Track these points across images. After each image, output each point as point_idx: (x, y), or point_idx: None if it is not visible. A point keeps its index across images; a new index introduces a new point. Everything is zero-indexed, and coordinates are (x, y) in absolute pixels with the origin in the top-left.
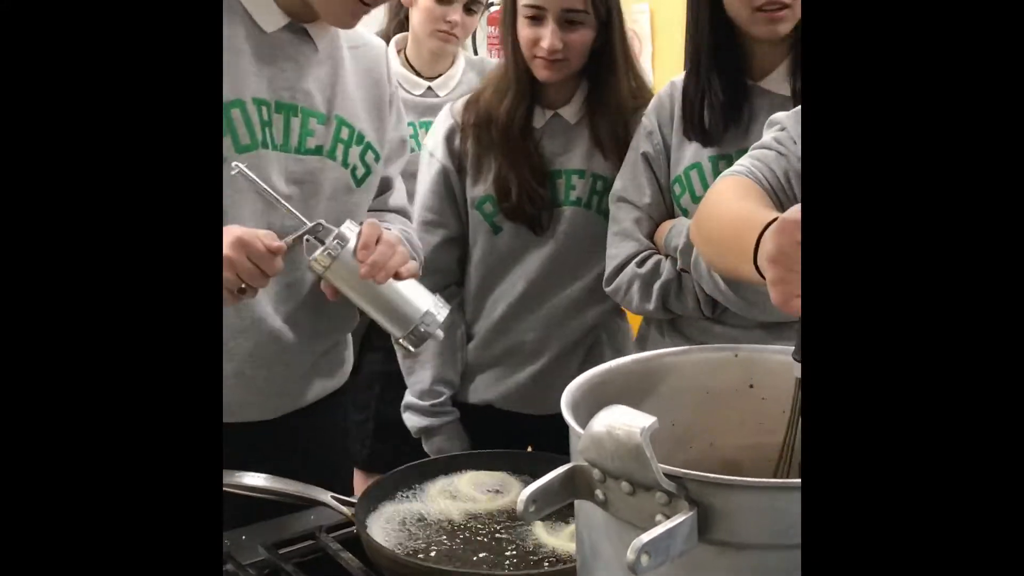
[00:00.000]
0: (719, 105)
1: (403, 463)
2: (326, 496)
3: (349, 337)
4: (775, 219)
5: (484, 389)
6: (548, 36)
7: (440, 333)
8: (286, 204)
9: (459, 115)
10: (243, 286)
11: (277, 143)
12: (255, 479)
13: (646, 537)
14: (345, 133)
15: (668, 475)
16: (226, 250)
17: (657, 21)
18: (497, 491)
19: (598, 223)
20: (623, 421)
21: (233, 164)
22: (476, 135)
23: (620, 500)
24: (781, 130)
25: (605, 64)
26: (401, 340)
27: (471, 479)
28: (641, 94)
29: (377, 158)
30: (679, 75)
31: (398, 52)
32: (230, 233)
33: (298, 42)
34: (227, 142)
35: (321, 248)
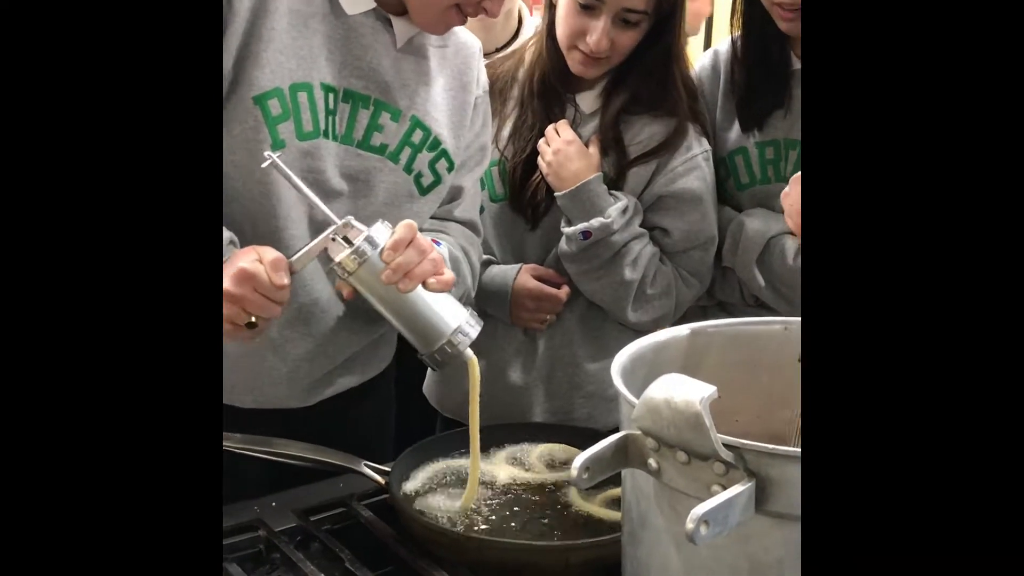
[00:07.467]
0: (761, 88)
1: None
2: (359, 464)
3: None
4: None
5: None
6: (598, 32)
7: (470, 353)
8: (317, 200)
9: None
10: (252, 320)
11: (339, 134)
12: (288, 445)
13: (705, 506)
14: (418, 136)
15: (726, 445)
16: (228, 285)
17: None
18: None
19: None
20: (682, 390)
21: (266, 154)
22: None
23: (674, 469)
24: None
25: (653, 63)
26: (424, 357)
27: (543, 450)
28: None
29: (451, 167)
30: (723, 42)
31: None
32: (233, 265)
33: (379, 31)
34: (289, 127)
35: (348, 250)
